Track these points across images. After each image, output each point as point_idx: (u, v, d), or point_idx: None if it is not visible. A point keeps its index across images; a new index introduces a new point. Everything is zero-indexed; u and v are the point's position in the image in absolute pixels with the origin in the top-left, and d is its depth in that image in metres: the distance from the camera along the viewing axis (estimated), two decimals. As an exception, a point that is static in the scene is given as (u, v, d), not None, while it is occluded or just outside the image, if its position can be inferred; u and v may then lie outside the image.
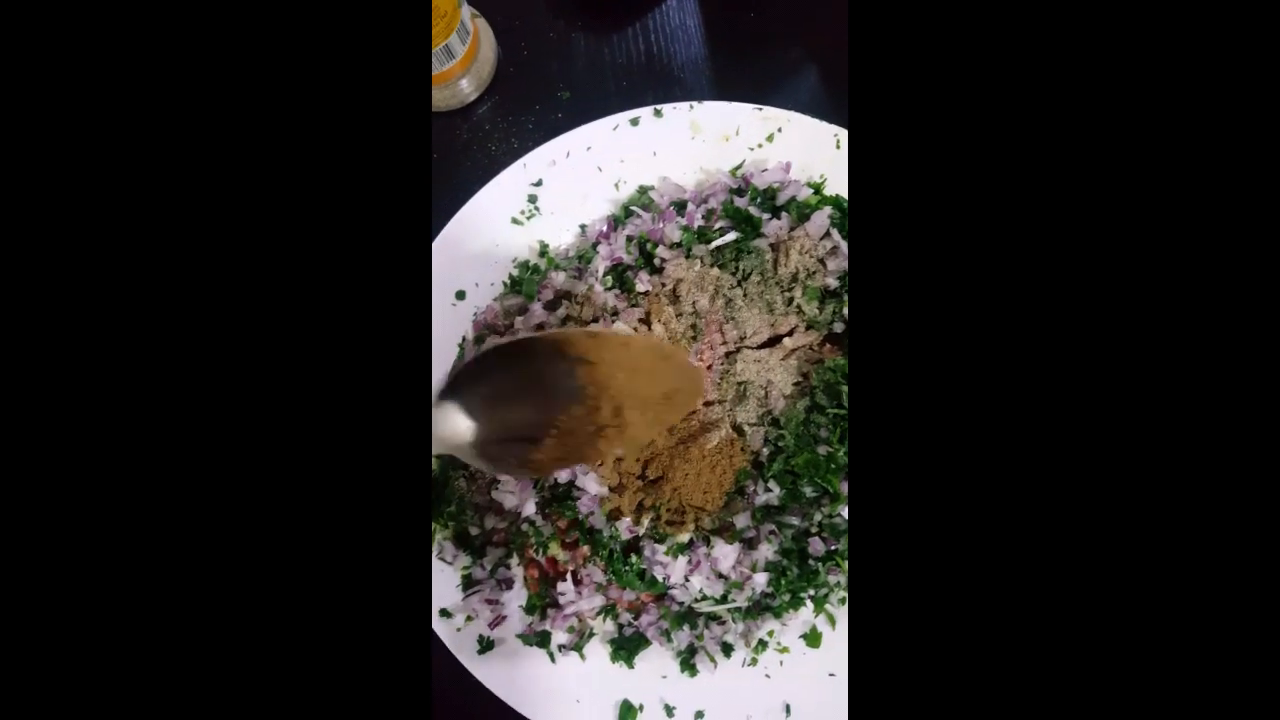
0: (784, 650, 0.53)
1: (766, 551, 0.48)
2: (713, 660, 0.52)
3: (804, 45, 0.62)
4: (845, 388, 0.47)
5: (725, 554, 0.47)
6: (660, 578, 0.48)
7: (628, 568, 0.48)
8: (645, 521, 0.48)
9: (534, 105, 0.62)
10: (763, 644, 0.52)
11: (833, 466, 0.47)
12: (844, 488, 0.47)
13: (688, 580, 0.48)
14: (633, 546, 0.49)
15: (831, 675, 0.52)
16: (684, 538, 0.48)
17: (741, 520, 0.48)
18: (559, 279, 0.52)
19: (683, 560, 0.47)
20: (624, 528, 0.47)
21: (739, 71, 0.61)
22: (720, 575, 0.48)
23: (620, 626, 0.53)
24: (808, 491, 0.48)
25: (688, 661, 0.52)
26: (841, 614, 0.53)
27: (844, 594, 0.53)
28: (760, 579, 0.48)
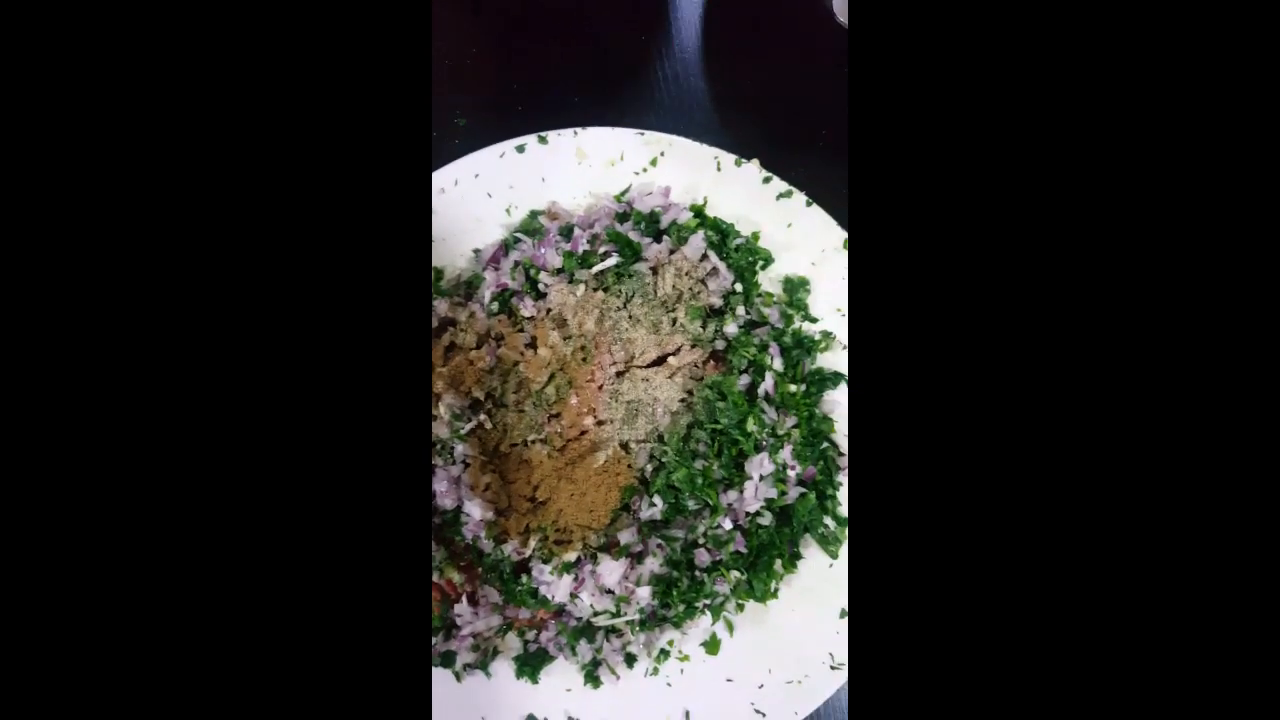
0: (684, 659, 0.54)
1: (653, 565, 0.50)
2: (614, 673, 0.53)
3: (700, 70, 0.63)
4: (720, 404, 0.49)
5: (610, 570, 0.48)
6: (549, 596, 0.49)
7: (520, 587, 0.49)
8: (533, 542, 0.49)
9: (430, 133, 0.62)
10: (664, 653, 0.54)
11: (709, 480, 0.49)
12: (723, 500, 0.49)
13: (575, 598, 0.49)
14: (523, 567, 0.50)
15: (729, 681, 0.54)
16: (571, 556, 0.49)
17: (627, 536, 0.49)
18: (442, 307, 0.53)
19: (567, 578, 0.48)
20: (511, 549, 0.49)
21: (631, 95, 0.63)
22: (606, 591, 0.49)
23: (525, 643, 0.54)
24: (690, 505, 0.49)
25: (591, 674, 0.54)
26: (739, 620, 0.55)
27: (739, 601, 0.54)
28: (643, 593, 0.49)
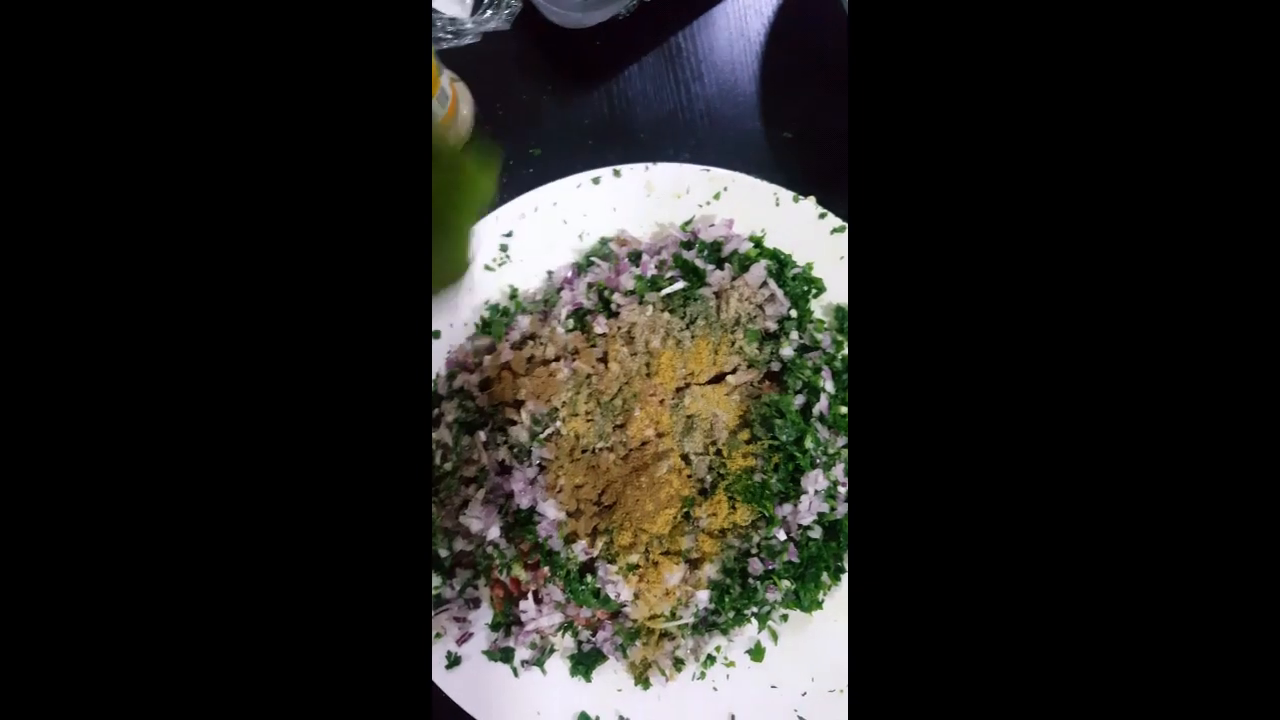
0: (730, 664, 0.57)
1: (710, 571, 0.53)
2: (664, 674, 0.56)
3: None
4: (779, 421, 0.53)
5: (671, 573, 0.52)
6: (613, 595, 0.52)
7: (584, 587, 0.53)
8: (600, 544, 0.52)
9: (508, 160, 0.68)
10: (711, 659, 0.57)
11: (767, 492, 0.52)
12: (779, 512, 0.52)
13: (637, 598, 0.52)
14: (588, 567, 0.53)
15: (773, 687, 0.56)
16: (634, 558, 0.52)
17: (687, 542, 0.53)
18: (525, 322, 0.57)
19: (632, 578, 0.52)
20: (580, 550, 0.52)
21: (693, 131, 0.68)
22: (666, 592, 0.52)
23: (579, 643, 0.57)
24: (746, 516, 0.53)
25: (641, 675, 0.56)
26: (783, 630, 0.58)
27: (784, 611, 0.57)
28: (702, 596, 0.52)
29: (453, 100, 0.64)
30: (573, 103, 0.69)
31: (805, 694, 0.56)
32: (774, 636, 0.57)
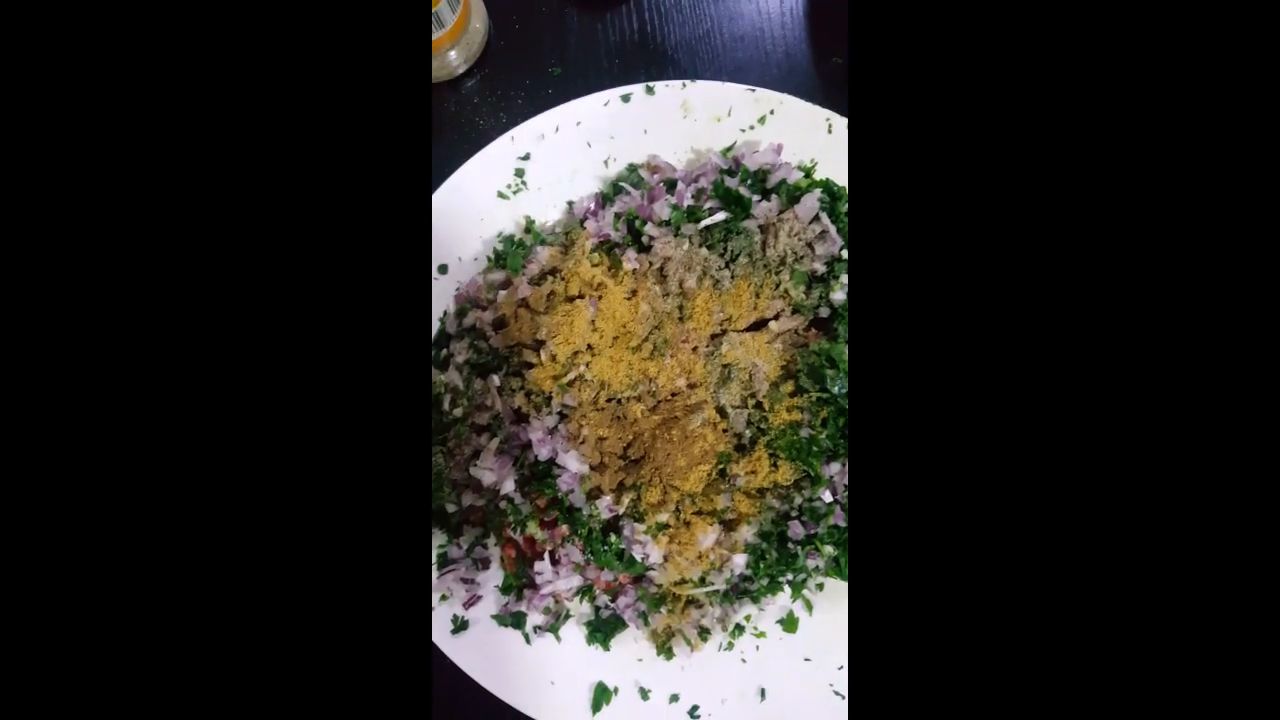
0: (760, 635, 0.53)
1: (746, 533, 0.48)
2: (689, 643, 0.51)
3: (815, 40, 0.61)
4: (829, 372, 0.47)
5: (704, 535, 0.47)
6: (639, 557, 0.47)
7: (606, 548, 0.48)
8: (626, 501, 0.47)
9: (524, 80, 0.61)
10: (739, 628, 0.52)
11: (814, 450, 0.47)
12: (825, 471, 0.47)
13: (667, 560, 0.47)
14: (612, 526, 0.48)
15: (807, 660, 0.52)
16: (664, 517, 0.47)
17: (722, 501, 0.48)
18: (544, 254, 0.51)
19: (662, 539, 0.47)
20: (604, 506, 0.47)
21: (733, 55, 0.61)
22: (699, 555, 0.47)
23: (597, 609, 0.52)
24: (788, 474, 0.48)
25: (664, 644, 0.52)
26: (819, 599, 0.53)
27: (821, 580, 0.53)
28: (739, 560, 0.47)
29: (463, 8, 0.56)
30: (598, 18, 0.61)
31: (842, 667, 0.52)
32: (808, 606, 0.53)
